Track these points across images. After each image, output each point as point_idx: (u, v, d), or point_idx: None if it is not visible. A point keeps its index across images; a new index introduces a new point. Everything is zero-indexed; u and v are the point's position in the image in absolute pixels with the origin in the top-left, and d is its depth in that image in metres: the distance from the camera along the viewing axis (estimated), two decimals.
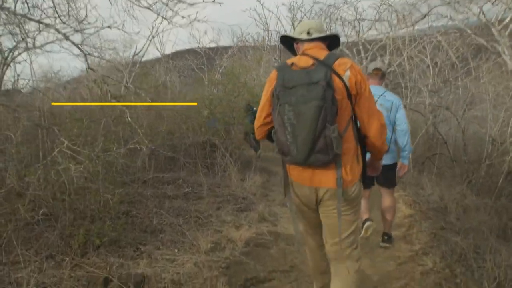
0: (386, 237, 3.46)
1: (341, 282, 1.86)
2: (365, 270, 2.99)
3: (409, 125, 3.44)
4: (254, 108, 7.78)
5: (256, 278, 2.66)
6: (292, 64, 1.75)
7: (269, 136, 1.88)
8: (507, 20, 7.49)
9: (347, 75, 1.69)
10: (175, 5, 5.12)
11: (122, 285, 2.21)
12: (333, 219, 1.79)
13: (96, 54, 8.18)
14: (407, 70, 8.33)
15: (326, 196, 1.77)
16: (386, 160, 2.90)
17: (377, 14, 9.69)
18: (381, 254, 3.33)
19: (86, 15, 4.43)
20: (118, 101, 3.99)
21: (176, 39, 37.72)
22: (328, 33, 1.90)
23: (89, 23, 4.59)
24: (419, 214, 4.34)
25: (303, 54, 1.81)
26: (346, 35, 10.48)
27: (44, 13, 4.91)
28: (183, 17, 5.44)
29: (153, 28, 9.23)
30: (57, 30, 4.86)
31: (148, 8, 4.99)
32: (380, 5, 9.37)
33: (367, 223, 3.46)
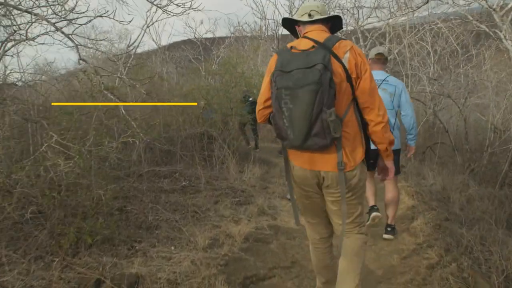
0: (389, 229, 3.40)
1: (351, 244, 1.90)
2: (368, 264, 2.90)
3: (414, 108, 3.37)
4: (251, 98, 7.64)
5: (256, 275, 2.56)
6: (292, 47, 1.72)
7: (269, 120, 1.86)
8: (510, 5, 7.33)
9: (346, 57, 1.68)
10: None
11: (115, 287, 2.10)
12: (338, 203, 1.81)
13: (90, 45, 8.01)
14: (408, 58, 8.16)
15: (328, 180, 1.76)
16: None
17: (376, 1, 9.48)
18: (384, 247, 3.24)
19: (76, 4, 4.22)
20: (112, 93, 3.83)
21: (172, 30, 37.18)
22: (330, 14, 1.86)
23: (79, 13, 4.40)
24: (422, 205, 4.24)
25: (304, 36, 1.79)
26: (345, 23, 10.26)
27: (36, 4, 4.72)
28: (177, 5, 5.20)
29: (147, 17, 9.01)
30: (47, 20, 4.68)
31: None
32: None
33: (374, 213, 3.45)
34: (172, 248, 2.76)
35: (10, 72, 4.34)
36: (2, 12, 4.84)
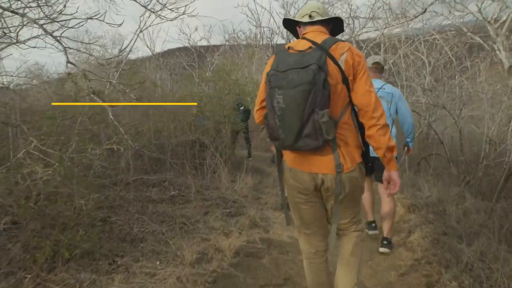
0: (385, 242, 3.29)
1: (348, 243, 1.88)
2: (365, 281, 2.76)
3: (412, 115, 3.40)
4: (242, 107, 7.53)
5: None
6: (289, 48, 1.68)
7: None
8: (504, 18, 7.37)
9: (342, 59, 1.64)
10: None
11: None
12: (336, 205, 1.78)
13: (82, 49, 7.84)
14: (403, 68, 8.14)
15: (327, 182, 1.72)
16: None
17: (371, 12, 9.48)
18: (381, 262, 3.10)
19: (65, 6, 4.07)
20: (99, 97, 3.67)
21: (167, 36, 37.11)
22: (330, 16, 1.82)
23: (68, 14, 4.25)
24: (419, 218, 4.12)
25: (302, 37, 1.75)
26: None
27: (23, 4, 4.58)
28: (171, 10, 5.09)
29: (140, 22, 8.90)
30: (36, 22, 4.53)
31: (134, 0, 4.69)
32: (375, 3, 9.16)
33: (372, 232, 3.41)
34: (157, 263, 2.59)
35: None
36: None
